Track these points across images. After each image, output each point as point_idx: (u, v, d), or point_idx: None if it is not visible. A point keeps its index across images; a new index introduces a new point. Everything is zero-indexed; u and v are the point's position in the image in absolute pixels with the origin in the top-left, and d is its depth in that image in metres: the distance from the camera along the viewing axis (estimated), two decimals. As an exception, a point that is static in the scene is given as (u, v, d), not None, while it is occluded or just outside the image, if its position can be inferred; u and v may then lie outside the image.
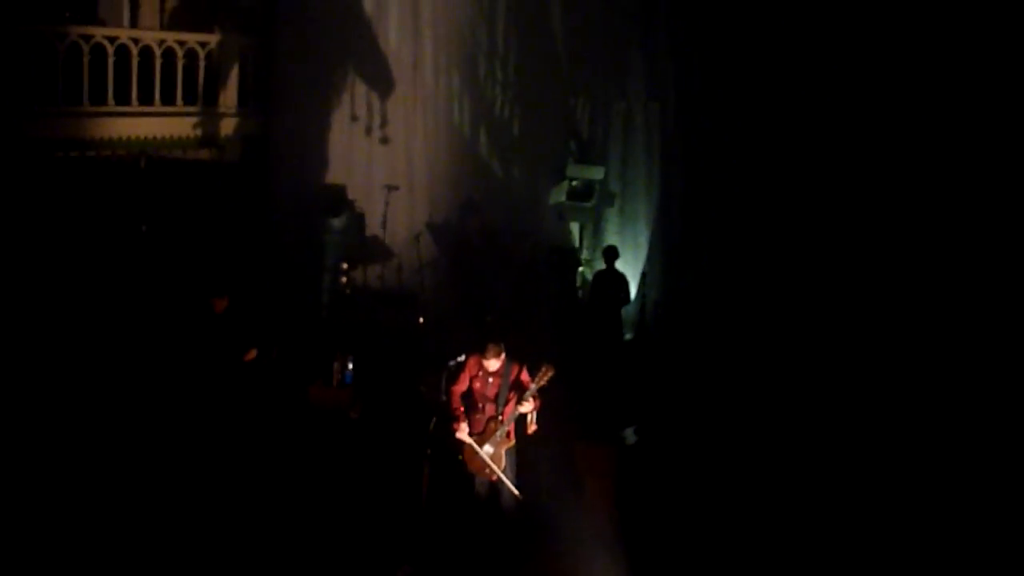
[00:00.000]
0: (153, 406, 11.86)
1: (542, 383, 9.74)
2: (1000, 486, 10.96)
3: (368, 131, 16.96)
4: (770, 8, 14.73)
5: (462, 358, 10.42)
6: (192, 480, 10.81)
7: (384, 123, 16.92)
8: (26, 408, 11.54)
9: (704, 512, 10.81)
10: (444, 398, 10.52)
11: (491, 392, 9.92)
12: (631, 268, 15.69)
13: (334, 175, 16.93)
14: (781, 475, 11.38)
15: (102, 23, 16.05)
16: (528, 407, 9.81)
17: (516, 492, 10.06)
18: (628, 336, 15.55)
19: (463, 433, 9.95)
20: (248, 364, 11.89)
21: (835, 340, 13.61)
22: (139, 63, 15.52)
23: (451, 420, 10.07)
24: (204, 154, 16.55)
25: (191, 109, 16.30)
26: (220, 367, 11.69)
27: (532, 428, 10.05)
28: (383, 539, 10.29)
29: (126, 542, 9.80)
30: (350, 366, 12.84)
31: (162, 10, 17.32)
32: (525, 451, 10.29)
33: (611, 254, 15.14)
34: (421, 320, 15.00)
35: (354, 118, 16.97)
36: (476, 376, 9.95)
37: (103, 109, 15.21)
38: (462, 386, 10.10)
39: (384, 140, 16.91)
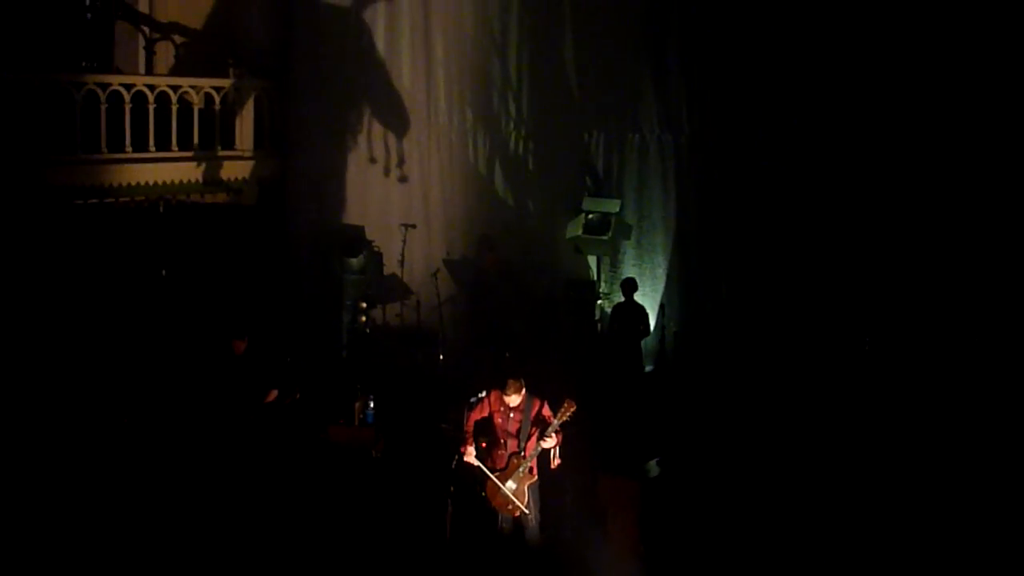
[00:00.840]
0: (177, 447, 11.90)
1: (564, 418, 9.76)
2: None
3: (387, 172, 17.02)
4: (783, 38, 14.75)
5: (483, 394, 10.45)
6: (216, 517, 10.88)
7: (401, 162, 16.99)
8: (51, 453, 11.59)
9: (730, 545, 10.77)
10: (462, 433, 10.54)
11: (512, 427, 9.93)
12: (650, 300, 15.68)
13: (351, 215, 17.01)
14: (809, 506, 11.32)
15: (118, 71, 16.26)
16: (551, 443, 9.83)
17: (537, 529, 10.06)
18: (648, 368, 15.52)
19: (470, 456, 9.95)
20: (269, 405, 11.97)
21: (858, 368, 13.56)
22: (155, 109, 15.64)
23: (460, 442, 10.08)
24: (221, 197, 16.65)
25: (208, 153, 16.40)
26: (241, 408, 11.79)
27: (556, 463, 10.06)
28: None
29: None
30: (371, 405, 12.87)
31: (177, 56, 17.48)
32: (549, 485, 10.30)
33: (629, 286, 15.18)
34: (441, 357, 15.01)
35: (372, 160, 17.05)
36: (497, 411, 9.96)
37: (121, 156, 15.35)
38: (480, 414, 10.12)
39: (403, 179, 16.97)
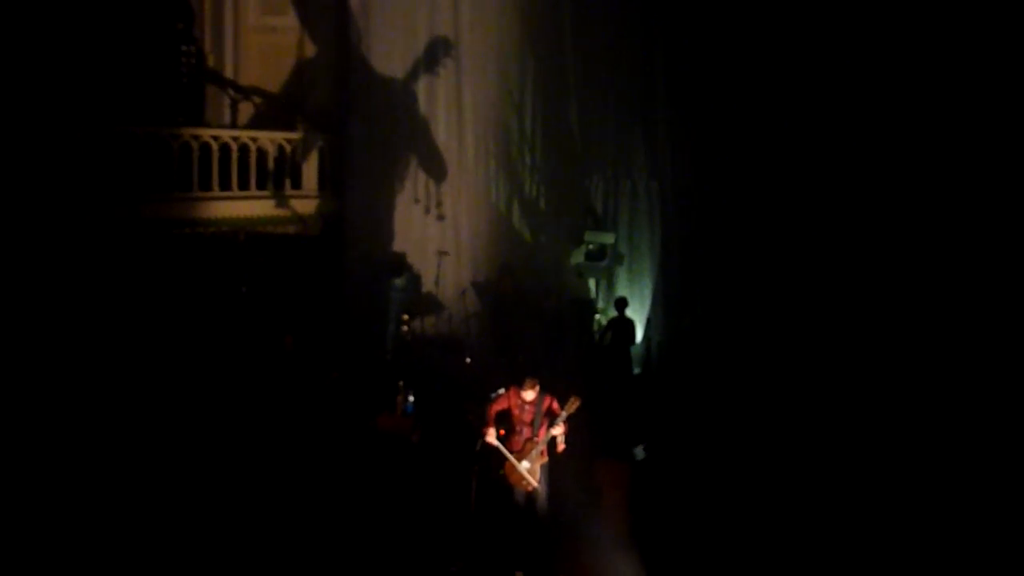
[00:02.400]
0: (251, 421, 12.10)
1: (570, 411, 9.77)
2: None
3: (427, 211, 17.04)
4: (751, 103, 14.83)
5: (502, 391, 10.48)
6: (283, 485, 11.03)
7: (439, 203, 17.02)
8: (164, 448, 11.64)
9: (705, 516, 10.80)
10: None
11: (527, 418, 9.96)
12: (638, 315, 15.72)
13: (396, 244, 17.02)
14: (771, 483, 11.33)
15: (208, 125, 16.29)
16: (558, 431, 9.85)
17: (546, 500, 10.05)
18: (637, 371, 15.52)
19: (491, 437, 9.95)
20: (319, 389, 12.47)
21: (810, 373, 13.59)
22: (238, 156, 15.73)
23: (481, 426, 10.10)
24: (291, 229, 16.68)
25: (280, 193, 16.46)
26: (289, 389, 12.23)
27: (561, 447, 10.07)
28: (439, 540, 10.34)
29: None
30: (411, 399, 12.88)
31: (256, 113, 17.56)
32: (555, 466, 10.30)
33: (622, 304, 15.19)
34: (468, 360, 15.00)
35: (416, 200, 17.05)
36: (515, 405, 9.99)
37: (209, 194, 15.42)
38: (499, 406, 10.15)
39: (440, 217, 16.99)
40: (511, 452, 10.00)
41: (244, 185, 15.93)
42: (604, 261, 15.84)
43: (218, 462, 11.33)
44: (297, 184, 16.84)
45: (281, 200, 16.50)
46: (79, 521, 9.96)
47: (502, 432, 10.14)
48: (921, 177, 13.22)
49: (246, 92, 17.65)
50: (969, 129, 12.85)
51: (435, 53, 16.90)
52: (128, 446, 11.36)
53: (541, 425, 9.95)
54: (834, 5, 14.01)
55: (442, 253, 16.38)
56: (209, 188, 15.43)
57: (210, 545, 9.91)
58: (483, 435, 10.01)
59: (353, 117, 17.09)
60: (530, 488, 9.98)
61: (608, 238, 15.98)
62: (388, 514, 10.74)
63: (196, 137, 15.21)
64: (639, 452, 12.33)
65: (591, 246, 15.99)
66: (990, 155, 12.74)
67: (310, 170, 17.00)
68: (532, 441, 9.94)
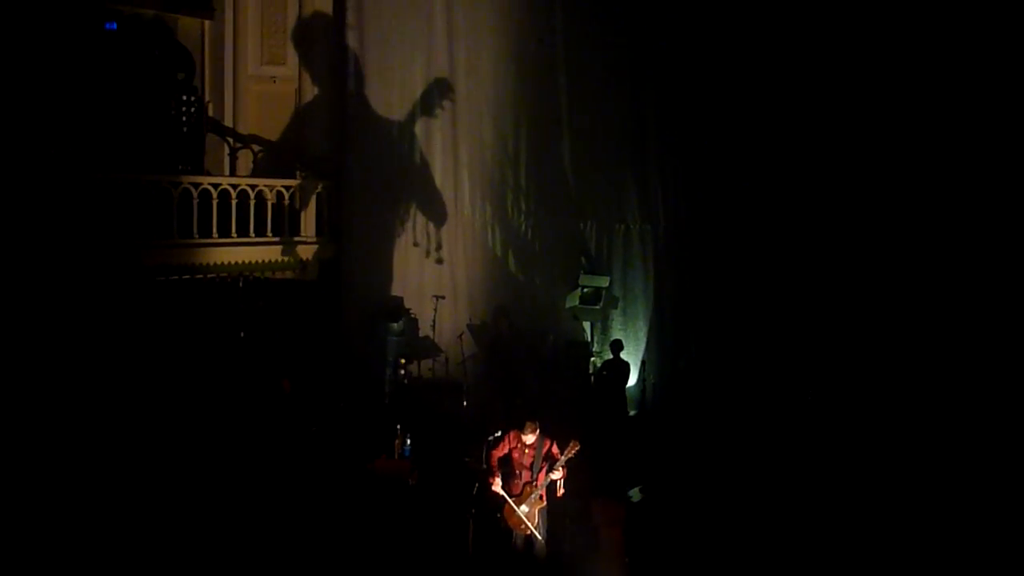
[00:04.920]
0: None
1: (569, 455, 9.73)
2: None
3: (428, 254, 17.02)
4: (741, 146, 14.94)
5: (499, 434, 10.42)
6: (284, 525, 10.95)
7: (439, 247, 17.01)
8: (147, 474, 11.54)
9: (701, 556, 10.71)
10: (485, 467, 10.48)
11: (527, 461, 9.92)
12: (633, 357, 15.69)
13: (393, 288, 16.98)
14: (767, 523, 11.25)
15: (208, 173, 16.30)
16: (558, 475, 9.79)
17: (544, 545, 9.96)
18: (632, 413, 15.46)
19: (497, 487, 9.90)
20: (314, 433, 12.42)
21: (800, 414, 13.55)
22: (237, 203, 15.69)
23: (487, 475, 10.04)
24: (289, 274, 16.64)
25: (279, 238, 16.44)
26: (287, 432, 12.20)
27: (560, 492, 10.02)
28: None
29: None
30: (409, 442, 12.80)
31: (254, 161, 17.60)
32: (553, 507, 10.22)
33: (617, 346, 15.18)
34: (465, 403, 14.93)
35: (416, 244, 17.04)
36: (515, 448, 9.95)
37: (209, 240, 15.36)
38: (501, 452, 10.12)
39: (440, 261, 16.96)
40: (510, 496, 9.93)
41: (243, 231, 15.88)
42: (599, 304, 15.82)
43: (217, 504, 11.21)
44: (295, 230, 16.82)
45: (279, 246, 16.46)
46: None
47: (496, 467, 10.08)
48: (914, 217, 13.34)
49: (245, 140, 17.67)
50: (956, 166, 13.00)
51: (431, 99, 16.96)
52: (130, 484, 11.26)
53: (540, 469, 9.89)
54: (820, 47, 14.17)
55: (438, 297, 16.33)
56: (209, 235, 15.38)
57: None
58: (490, 484, 9.96)
59: (351, 163, 17.13)
60: (527, 532, 9.90)
61: (602, 281, 15.98)
62: (386, 557, 10.61)
63: (196, 184, 15.18)
64: (635, 493, 12.24)
65: (586, 289, 15.98)
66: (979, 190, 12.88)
67: (308, 216, 16.98)
68: (531, 485, 9.88)
